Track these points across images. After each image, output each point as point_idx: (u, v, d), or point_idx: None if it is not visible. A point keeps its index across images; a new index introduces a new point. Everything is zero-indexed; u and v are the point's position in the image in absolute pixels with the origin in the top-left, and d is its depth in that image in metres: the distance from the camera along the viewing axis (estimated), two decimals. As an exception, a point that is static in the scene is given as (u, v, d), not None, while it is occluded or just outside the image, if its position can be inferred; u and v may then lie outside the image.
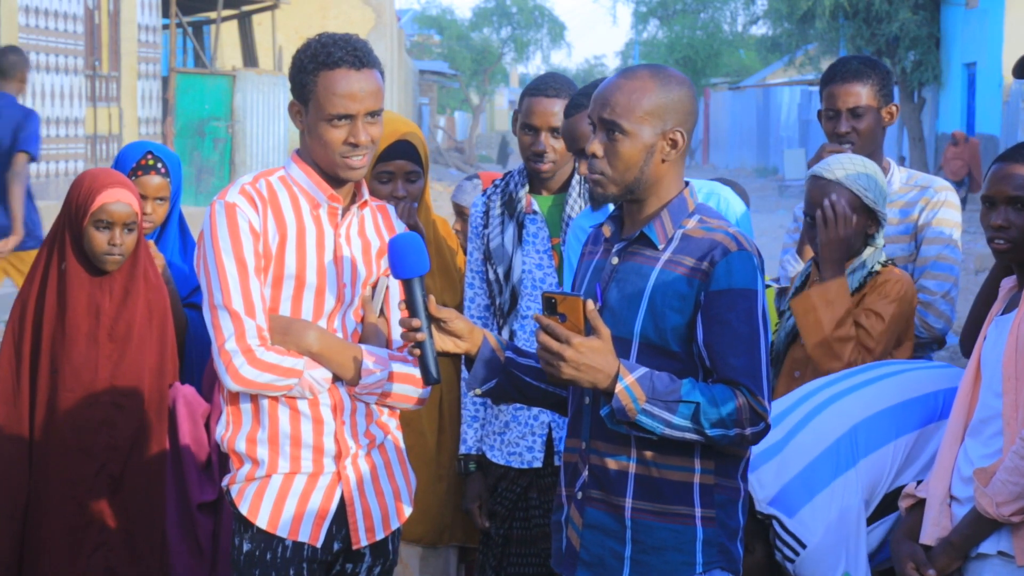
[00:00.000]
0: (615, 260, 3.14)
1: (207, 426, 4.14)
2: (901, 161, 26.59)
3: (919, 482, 3.61)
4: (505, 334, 4.29)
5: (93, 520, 4.02)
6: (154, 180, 4.38)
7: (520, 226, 4.31)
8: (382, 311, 3.44)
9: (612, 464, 3.09)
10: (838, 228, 4.01)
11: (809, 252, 4.41)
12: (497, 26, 58.43)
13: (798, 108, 37.22)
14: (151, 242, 4.34)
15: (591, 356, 2.94)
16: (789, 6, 30.20)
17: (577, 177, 4.31)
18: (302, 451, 3.31)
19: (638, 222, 3.13)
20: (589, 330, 2.95)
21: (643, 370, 2.97)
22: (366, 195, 3.42)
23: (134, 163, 4.39)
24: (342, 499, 3.36)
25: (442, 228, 4.53)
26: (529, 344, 4.19)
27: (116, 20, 21.73)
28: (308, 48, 3.28)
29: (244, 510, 3.32)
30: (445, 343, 3.15)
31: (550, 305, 2.97)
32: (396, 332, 3.39)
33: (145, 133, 22.73)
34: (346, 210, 3.37)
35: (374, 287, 3.43)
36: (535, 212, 4.32)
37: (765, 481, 3.61)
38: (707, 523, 3.07)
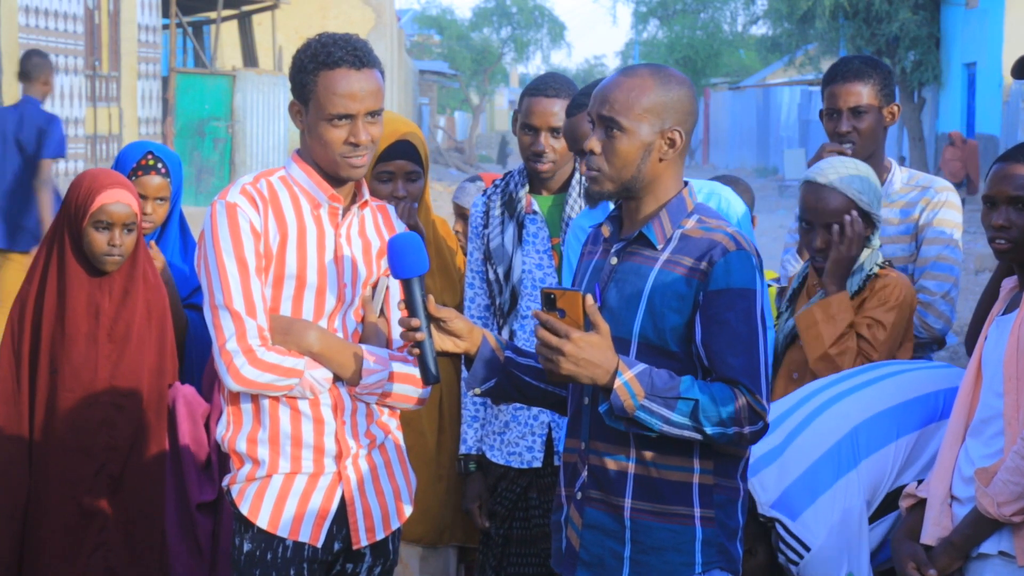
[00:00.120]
0: (614, 260, 3.13)
1: (207, 426, 4.13)
2: (901, 161, 26.57)
3: (920, 482, 3.61)
4: (505, 334, 4.29)
5: (93, 520, 4.02)
6: (154, 180, 4.38)
7: (520, 226, 4.30)
8: (382, 311, 3.44)
9: (611, 464, 3.09)
10: (852, 247, 4.04)
11: (809, 253, 4.41)
12: (497, 26, 58.42)
13: (798, 108, 37.20)
14: (152, 242, 4.34)
15: (590, 351, 2.93)
16: (789, 6, 30.19)
17: (577, 177, 4.31)
18: (303, 451, 3.31)
19: (637, 222, 3.13)
20: (588, 326, 2.95)
21: (642, 366, 2.97)
22: (366, 195, 3.41)
23: (134, 163, 4.39)
24: (343, 499, 3.35)
25: (442, 228, 4.53)
26: (529, 344, 4.18)
27: (116, 20, 21.71)
28: (308, 48, 3.28)
29: (245, 510, 3.32)
30: (444, 343, 3.15)
31: (549, 301, 2.96)
32: (396, 332, 3.38)
33: (145, 133, 22.72)
34: (347, 210, 3.37)
35: (374, 287, 3.43)
36: (535, 212, 4.31)
37: (767, 484, 3.61)
38: (706, 523, 3.07)
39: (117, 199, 4.01)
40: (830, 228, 4.06)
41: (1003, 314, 3.54)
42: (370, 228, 3.43)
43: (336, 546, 3.37)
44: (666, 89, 3.07)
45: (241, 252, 3.23)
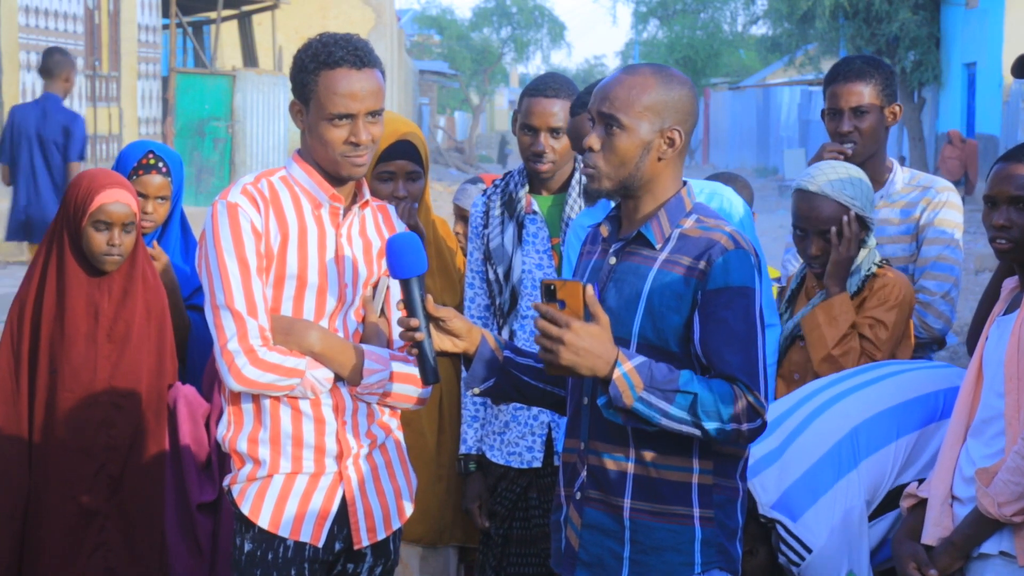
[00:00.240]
0: (612, 260, 3.13)
1: (207, 426, 4.13)
2: (902, 161, 26.54)
3: (921, 482, 3.61)
4: (505, 334, 4.29)
5: (92, 520, 4.02)
6: (155, 179, 4.38)
7: (520, 226, 4.30)
8: (383, 311, 3.44)
9: (611, 464, 3.09)
10: (850, 248, 4.05)
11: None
12: (497, 26, 58.41)
13: (798, 108, 37.19)
14: (155, 242, 4.34)
15: (590, 341, 2.92)
16: (789, 6, 30.17)
17: (577, 177, 4.30)
18: (304, 451, 3.31)
19: (635, 222, 3.13)
20: (588, 317, 2.95)
21: (642, 359, 2.96)
22: (367, 195, 3.41)
23: (135, 162, 4.39)
24: (343, 499, 3.35)
25: (442, 229, 4.53)
26: (529, 344, 4.18)
27: (116, 20, 21.72)
28: (309, 48, 3.28)
29: (246, 510, 3.32)
30: (443, 342, 3.15)
31: (549, 292, 2.96)
32: (397, 332, 3.38)
33: (145, 133, 22.73)
34: (347, 210, 3.37)
35: (375, 287, 3.43)
36: (535, 212, 4.31)
37: (768, 485, 3.61)
38: (705, 523, 3.07)
39: (116, 199, 4.00)
40: (824, 235, 4.09)
41: (1004, 314, 3.54)
42: (371, 228, 3.43)
43: (337, 546, 3.37)
44: (667, 88, 3.07)
45: (242, 252, 3.23)
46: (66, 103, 10.42)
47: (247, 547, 3.33)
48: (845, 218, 4.07)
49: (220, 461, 4.08)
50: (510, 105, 66.00)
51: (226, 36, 28.78)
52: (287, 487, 3.31)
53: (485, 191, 4.46)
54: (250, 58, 27.99)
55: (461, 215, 5.74)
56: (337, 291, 3.33)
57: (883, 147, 4.50)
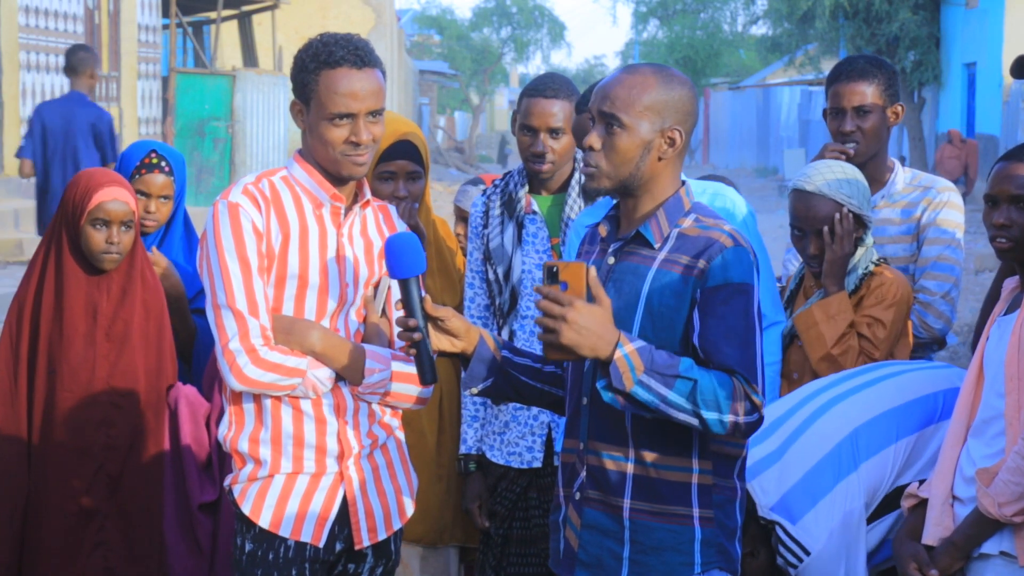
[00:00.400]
0: (611, 260, 3.13)
1: (208, 426, 4.13)
2: (902, 161, 26.55)
3: (921, 482, 3.61)
4: (505, 334, 4.29)
5: (92, 520, 4.02)
6: (158, 178, 4.38)
7: (520, 226, 4.30)
8: (384, 311, 3.44)
9: (610, 464, 3.09)
10: (844, 245, 4.05)
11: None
12: (497, 26, 58.39)
13: (798, 108, 37.18)
14: (154, 247, 4.34)
15: (592, 320, 2.91)
16: (789, 6, 30.17)
17: (577, 177, 4.30)
18: (305, 451, 3.31)
19: (634, 221, 3.13)
20: (590, 299, 2.94)
21: (643, 343, 2.96)
22: (368, 195, 3.42)
23: (138, 161, 4.39)
24: (344, 499, 3.35)
25: (442, 229, 4.53)
26: (529, 345, 4.18)
27: (116, 20, 21.71)
28: (310, 47, 3.28)
29: (246, 510, 3.32)
30: (442, 342, 3.15)
31: (551, 274, 2.95)
32: (396, 331, 3.38)
33: (145, 133, 22.72)
34: (348, 210, 3.37)
35: (376, 287, 3.43)
36: (535, 212, 4.31)
37: (767, 487, 3.61)
38: (705, 523, 3.07)
39: (114, 197, 4.00)
40: (822, 234, 4.08)
41: (1004, 314, 3.54)
42: (372, 228, 3.43)
43: (338, 546, 3.37)
44: (668, 88, 3.07)
45: (243, 252, 3.23)
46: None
47: (248, 547, 3.32)
48: (837, 215, 4.07)
49: (221, 461, 4.08)
50: (510, 105, 65.97)
51: (226, 36, 28.78)
52: (288, 487, 3.31)
53: (485, 191, 4.46)
54: (250, 58, 27.98)
55: (461, 216, 5.73)
56: (338, 291, 3.33)
57: (885, 147, 4.50)
